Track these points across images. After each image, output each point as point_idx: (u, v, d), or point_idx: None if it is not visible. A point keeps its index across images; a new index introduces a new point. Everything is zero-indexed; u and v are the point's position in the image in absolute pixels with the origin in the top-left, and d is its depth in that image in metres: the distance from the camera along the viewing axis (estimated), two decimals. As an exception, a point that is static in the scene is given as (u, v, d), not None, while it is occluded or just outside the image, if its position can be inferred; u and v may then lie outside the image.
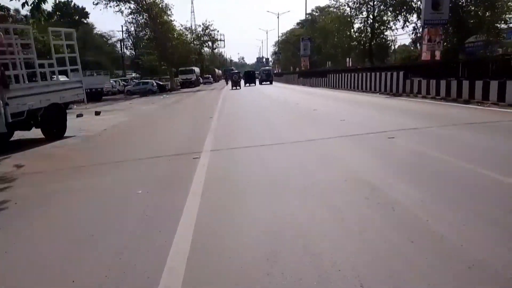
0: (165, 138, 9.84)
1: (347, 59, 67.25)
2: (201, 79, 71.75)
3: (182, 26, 45.31)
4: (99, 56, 51.73)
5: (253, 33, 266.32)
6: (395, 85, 19.03)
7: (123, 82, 43.49)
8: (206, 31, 46.97)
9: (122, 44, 56.71)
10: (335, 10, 51.62)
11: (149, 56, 50.52)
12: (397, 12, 44.24)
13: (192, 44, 44.04)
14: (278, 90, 31.77)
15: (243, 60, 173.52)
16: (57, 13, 68.74)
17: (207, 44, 46.67)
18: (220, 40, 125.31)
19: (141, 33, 44.70)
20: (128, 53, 71.05)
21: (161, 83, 41.26)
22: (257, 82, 47.78)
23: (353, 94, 20.94)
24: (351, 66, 57.67)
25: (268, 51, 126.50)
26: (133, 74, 67.58)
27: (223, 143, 7.93)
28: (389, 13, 45.57)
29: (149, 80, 40.26)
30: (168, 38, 39.57)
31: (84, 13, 70.07)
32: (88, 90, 29.14)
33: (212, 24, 45.26)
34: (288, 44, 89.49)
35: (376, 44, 47.21)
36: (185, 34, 44.08)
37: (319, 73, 35.87)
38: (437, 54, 21.93)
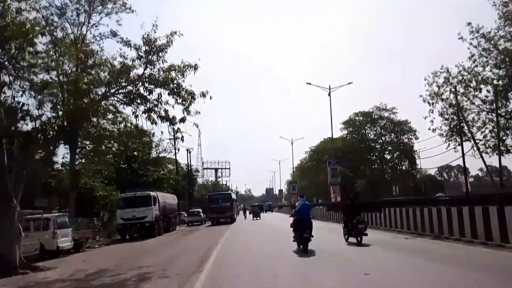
0: None
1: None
2: (185, 215, 41.63)
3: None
4: None
5: (262, 165, 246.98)
6: None
7: None
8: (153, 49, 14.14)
9: None
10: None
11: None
12: None
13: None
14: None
15: (250, 193, 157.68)
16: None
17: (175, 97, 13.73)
18: (225, 168, 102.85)
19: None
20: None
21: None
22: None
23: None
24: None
25: (282, 181, 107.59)
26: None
27: None
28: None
29: None
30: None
31: None
32: None
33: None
34: (313, 166, 63.25)
35: None
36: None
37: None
38: None
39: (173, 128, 13.92)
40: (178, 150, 44.55)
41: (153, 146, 50.61)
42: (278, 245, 13.28)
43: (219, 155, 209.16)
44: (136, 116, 13.97)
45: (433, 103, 22.79)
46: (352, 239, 12.55)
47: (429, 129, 23.27)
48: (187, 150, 47.99)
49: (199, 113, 13.60)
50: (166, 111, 13.45)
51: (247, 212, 51.99)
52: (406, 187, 51.69)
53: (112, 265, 11.26)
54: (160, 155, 56.04)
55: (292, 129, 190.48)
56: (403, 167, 58.05)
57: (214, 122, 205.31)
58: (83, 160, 41.83)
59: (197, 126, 12.91)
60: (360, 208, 13.99)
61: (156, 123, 13.74)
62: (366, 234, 12.14)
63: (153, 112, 13.38)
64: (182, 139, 14.07)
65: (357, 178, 54.77)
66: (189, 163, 49.14)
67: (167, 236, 24.01)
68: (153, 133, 15.20)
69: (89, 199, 27.74)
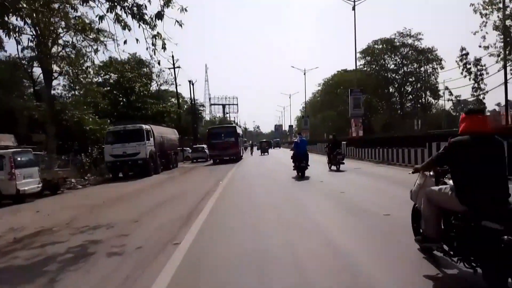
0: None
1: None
2: (189, 151, 38.80)
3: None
4: None
5: (272, 101, 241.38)
6: None
7: None
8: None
9: None
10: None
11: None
12: None
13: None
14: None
15: (259, 129, 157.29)
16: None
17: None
18: (233, 104, 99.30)
19: None
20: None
21: None
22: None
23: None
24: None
25: (292, 117, 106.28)
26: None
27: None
28: None
29: None
30: None
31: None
32: None
33: None
34: (326, 100, 59.00)
35: None
36: None
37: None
38: None
39: (152, 35, 10.04)
40: (176, 78, 40.19)
41: (153, 77, 46.64)
42: (281, 174, 15.88)
43: (228, 91, 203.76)
44: (101, 18, 10.11)
45: (486, 14, 18.16)
46: (334, 167, 16.12)
47: (479, 46, 18.90)
48: (189, 81, 43.98)
49: (186, 10, 9.66)
50: (138, 6, 9.52)
51: (255, 148, 55.20)
52: (428, 122, 47.79)
53: (67, 220, 8.12)
54: (162, 87, 52.19)
55: (305, 60, 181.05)
56: (425, 100, 53.63)
57: (222, 57, 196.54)
58: (75, 92, 38.26)
59: (180, 25, 9.01)
60: (340, 144, 17.66)
61: (129, 29, 9.90)
62: (343, 163, 16.08)
63: (120, 8, 9.45)
64: (164, 48, 10.25)
65: (376, 112, 50.84)
66: (193, 96, 45.24)
67: (164, 175, 21.06)
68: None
69: (78, 134, 24.71)
